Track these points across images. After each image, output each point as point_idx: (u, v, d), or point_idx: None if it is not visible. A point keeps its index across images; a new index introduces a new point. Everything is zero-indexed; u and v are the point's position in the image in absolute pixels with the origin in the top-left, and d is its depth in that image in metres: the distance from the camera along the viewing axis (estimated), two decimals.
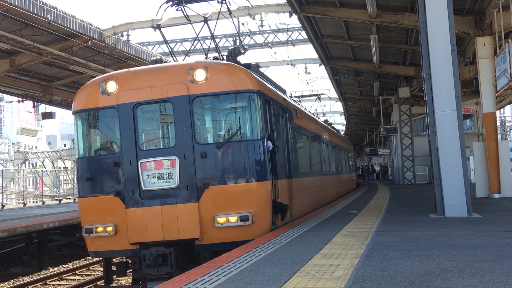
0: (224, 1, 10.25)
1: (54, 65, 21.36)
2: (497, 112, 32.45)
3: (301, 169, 11.54)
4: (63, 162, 51.53)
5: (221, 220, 7.76)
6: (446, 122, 9.87)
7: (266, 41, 26.03)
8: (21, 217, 16.29)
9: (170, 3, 9.89)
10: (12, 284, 12.54)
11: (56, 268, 14.62)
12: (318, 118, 21.30)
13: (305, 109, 17.54)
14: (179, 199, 7.86)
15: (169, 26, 13.89)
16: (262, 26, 20.70)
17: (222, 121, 8.61)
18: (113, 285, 9.27)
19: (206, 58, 10.79)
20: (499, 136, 33.91)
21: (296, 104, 13.42)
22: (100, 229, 8.07)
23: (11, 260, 15.12)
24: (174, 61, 10.16)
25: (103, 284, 9.20)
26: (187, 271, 5.76)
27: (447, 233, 7.62)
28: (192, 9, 10.38)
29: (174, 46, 26.83)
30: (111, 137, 8.61)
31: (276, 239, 7.38)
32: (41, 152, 55.92)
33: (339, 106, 46.00)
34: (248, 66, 9.24)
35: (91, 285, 12.09)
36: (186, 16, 10.24)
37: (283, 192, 9.13)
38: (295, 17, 17.86)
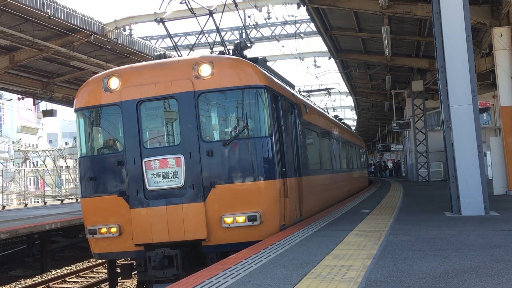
0: None
1: (54, 61, 21.29)
2: None
3: (311, 166, 11.38)
4: (65, 161, 51.50)
5: (229, 220, 7.63)
6: (461, 117, 9.64)
7: (273, 34, 25.74)
8: (22, 218, 16.18)
9: None
10: (14, 287, 12.46)
11: (59, 270, 14.49)
12: (328, 114, 21.03)
13: (315, 104, 17.33)
14: (185, 199, 7.74)
15: (173, 20, 13.75)
16: (269, 18, 20.46)
17: (228, 118, 8.48)
18: (118, 287, 9.15)
19: (212, 52, 10.62)
20: None
21: (305, 99, 13.24)
22: (104, 230, 7.97)
23: (12, 262, 15.00)
24: (178, 56, 10.03)
25: (108, 287, 9.09)
26: (193, 273, 5.66)
27: (464, 232, 7.47)
28: (196, 1, 10.23)
29: (178, 40, 26.65)
30: (114, 135, 8.51)
31: (285, 240, 7.28)
32: (42, 150, 55.76)
33: (349, 101, 45.81)
34: (255, 60, 9.09)
35: (95, 287, 11.96)
36: (191, 9, 10.15)
37: (292, 191, 8.96)
38: (303, 8, 17.61)
